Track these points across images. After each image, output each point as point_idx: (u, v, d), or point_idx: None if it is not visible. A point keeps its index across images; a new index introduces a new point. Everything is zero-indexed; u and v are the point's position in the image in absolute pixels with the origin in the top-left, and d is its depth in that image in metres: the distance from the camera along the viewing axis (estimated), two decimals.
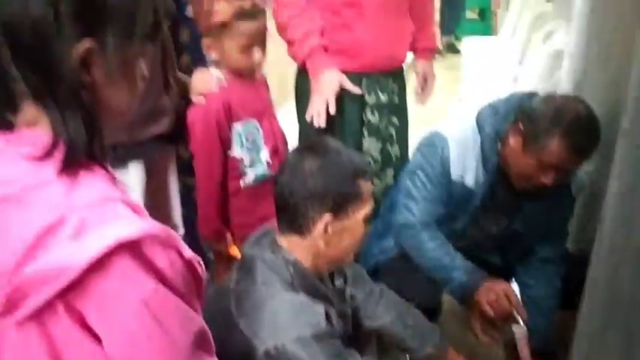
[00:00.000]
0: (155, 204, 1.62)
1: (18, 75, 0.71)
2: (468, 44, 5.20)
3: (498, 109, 1.63)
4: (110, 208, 0.72)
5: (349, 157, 1.19)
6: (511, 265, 1.85)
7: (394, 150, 2.01)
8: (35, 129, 0.74)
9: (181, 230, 1.79)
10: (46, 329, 0.72)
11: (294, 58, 1.85)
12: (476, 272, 1.63)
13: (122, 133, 1.43)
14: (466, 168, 1.63)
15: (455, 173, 1.63)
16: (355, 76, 1.84)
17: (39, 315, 0.71)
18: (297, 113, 1.99)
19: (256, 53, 1.59)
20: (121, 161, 1.49)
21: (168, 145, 1.65)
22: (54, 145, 0.72)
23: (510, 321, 1.64)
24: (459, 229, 1.71)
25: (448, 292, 1.68)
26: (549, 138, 1.46)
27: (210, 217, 1.69)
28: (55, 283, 0.67)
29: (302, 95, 1.92)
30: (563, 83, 2.08)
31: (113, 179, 0.78)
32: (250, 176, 1.68)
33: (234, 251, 1.77)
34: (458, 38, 6.47)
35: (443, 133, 1.67)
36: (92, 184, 0.74)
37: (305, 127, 1.90)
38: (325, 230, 1.16)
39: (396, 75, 1.98)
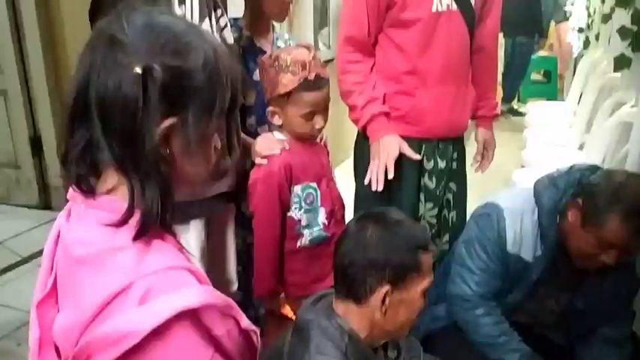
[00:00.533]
0: (212, 259, 1.66)
1: (105, 145, 0.76)
2: (533, 107, 5.15)
3: (557, 181, 1.59)
4: (175, 276, 0.75)
5: (411, 229, 1.20)
6: (573, 343, 1.76)
7: (451, 215, 1.99)
8: (113, 195, 0.79)
9: (235, 286, 1.81)
10: None
11: (355, 122, 1.88)
12: (533, 357, 1.57)
13: (185, 193, 1.48)
14: (523, 241, 1.59)
15: (511, 245, 1.59)
16: (415, 142, 1.85)
17: None
18: (355, 176, 2.01)
19: (318, 120, 1.64)
20: (183, 218, 1.54)
21: (229, 203, 1.69)
22: (130, 213, 0.76)
23: None
24: (516, 302, 1.65)
25: None
26: (609, 217, 1.41)
27: (266, 276, 1.71)
28: (120, 346, 0.70)
29: (361, 159, 1.94)
30: (632, 157, 2.01)
31: (180, 247, 0.82)
32: (307, 237, 1.70)
33: (287, 310, 1.78)
34: (522, 100, 6.43)
35: (499, 204, 1.63)
36: (161, 251, 0.77)
37: (362, 189, 1.91)
38: (383, 301, 1.16)
39: (456, 141, 1.97)
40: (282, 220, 1.68)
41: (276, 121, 1.65)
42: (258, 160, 1.66)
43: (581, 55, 4.96)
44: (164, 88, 0.74)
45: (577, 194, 1.50)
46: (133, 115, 0.74)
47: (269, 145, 1.66)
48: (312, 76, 1.57)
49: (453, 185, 1.97)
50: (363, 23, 1.77)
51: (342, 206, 1.78)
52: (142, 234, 0.75)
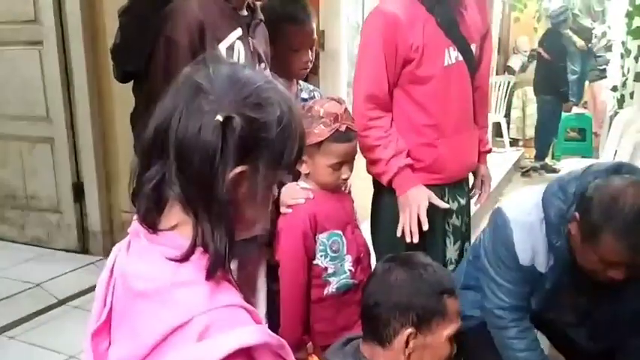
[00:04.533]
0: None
1: (177, 184, 0.81)
2: (567, 163, 5.11)
3: (567, 187, 1.46)
4: (234, 314, 0.79)
5: (437, 274, 1.22)
6: (598, 345, 1.68)
7: (467, 246, 2.07)
8: (177, 232, 0.83)
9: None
10: None
11: (379, 176, 1.93)
12: None
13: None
14: (535, 253, 1.53)
15: (522, 260, 1.54)
16: (437, 188, 1.92)
17: None
18: (374, 232, 2.05)
19: (345, 170, 1.69)
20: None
21: (260, 248, 1.74)
22: (192, 250, 0.80)
23: None
24: (535, 310, 1.61)
25: None
26: (602, 236, 1.30)
27: (293, 325, 1.72)
28: None
29: (382, 212, 2.00)
30: None
31: (236, 286, 0.86)
32: (333, 285, 1.71)
33: None
34: (556, 158, 6.39)
35: (506, 215, 1.57)
36: (221, 290, 0.81)
37: (384, 243, 1.96)
38: (407, 344, 1.17)
39: (467, 178, 2.11)
40: (307, 269, 1.70)
41: (304, 169, 1.70)
42: (283, 210, 1.71)
43: (615, 113, 4.95)
44: (241, 138, 0.79)
45: (577, 206, 1.40)
46: (210, 160, 0.79)
47: (293, 194, 1.70)
48: (343, 128, 1.63)
49: (467, 219, 2.08)
50: (382, 81, 1.86)
51: (368, 253, 1.80)
52: (213, 274, 0.79)
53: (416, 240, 1.81)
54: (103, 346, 0.86)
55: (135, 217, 0.86)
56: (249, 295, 1.79)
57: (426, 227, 1.81)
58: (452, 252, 1.99)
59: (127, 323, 0.84)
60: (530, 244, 1.52)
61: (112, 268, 0.89)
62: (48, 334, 2.75)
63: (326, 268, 1.70)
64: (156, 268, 0.81)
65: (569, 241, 1.45)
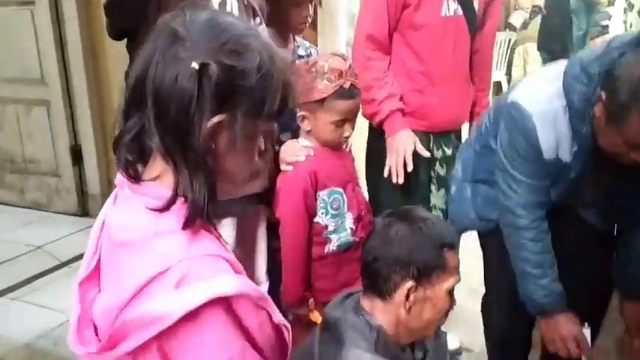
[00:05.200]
0: (243, 258, 1.68)
1: (156, 133, 0.79)
2: None
3: (588, 70, 1.35)
4: (212, 263, 0.78)
5: (437, 228, 1.21)
6: (615, 230, 1.68)
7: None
8: (158, 182, 0.82)
9: (265, 286, 1.82)
10: None
11: (371, 116, 2.00)
12: (558, 299, 1.53)
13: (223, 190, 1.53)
14: (559, 144, 1.44)
15: (546, 153, 1.45)
16: (423, 135, 2.00)
17: (135, 354, 0.77)
18: (368, 174, 2.13)
19: (348, 128, 1.67)
20: (215, 217, 1.58)
21: (259, 205, 1.73)
22: (173, 200, 0.80)
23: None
24: (554, 200, 1.56)
25: (523, 297, 1.58)
26: (629, 116, 1.23)
27: (295, 283, 1.72)
28: (153, 328, 0.73)
29: (373, 155, 2.08)
30: None
31: (219, 237, 0.86)
32: (334, 243, 1.71)
33: (315, 317, 1.78)
34: None
35: (525, 109, 1.45)
36: (201, 239, 0.81)
37: (378, 184, 2.03)
38: (407, 297, 1.17)
39: (457, 132, 2.16)
40: (308, 226, 1.70)
41: (306, 126, 1.68)
42: (283, 167, 1.70)
43: None
44: (218, 86, 0.78)
45: (602, 86, 1.30)
46: (185, 108, 0.77)
47: (294, 151, 1.69)
48: (347, 85, 1.61)
49: None
50: (383, 23, 1.92)
51: (369, 211, 1.79)
52: (191, 223, 0.78)
53: (401, 181, 1.91)
54: (91, 294, 0.86)
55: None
56: (249, 253, 1.80)
57: (410, 168, 1.90)
58: (437, 198, 2.07)
59: (111, 272, 0.84)
60: (553, 136, 1.44)
61: (104, 221, 0.89)
62: (50, 295, 2.77)
63: (326, 226, 1.70)
64: (136, 218, 0.81)
65: (592, 125, 1.38)
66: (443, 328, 2.28)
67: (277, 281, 1.78)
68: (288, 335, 0.85)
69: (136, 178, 0.83)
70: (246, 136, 0.82)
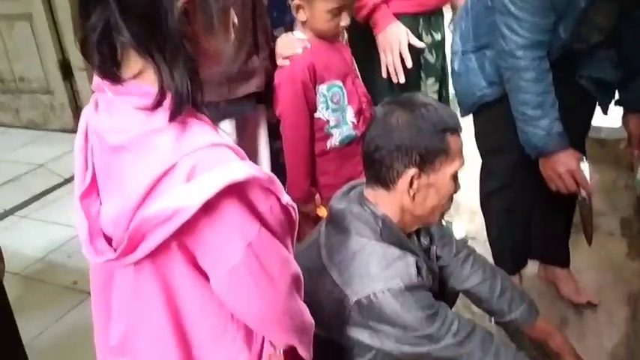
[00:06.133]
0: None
1: (124, 26, 0.74)
2: None
3: None
4: (218, 152, 0.77)
5: (438, 112, 1.17)
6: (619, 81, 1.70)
7: (445, 88, 2.08)
8: (140, 80, 0.78)
9: None
10: (160, 268, 0.80)
11: (355, 11, 1.84)
12: (557, 139, 1.54)
13: (214, 93, 1.49)
14: None
15: None
16: (412, 20, 1.88)
17: (155, 255, 0.78)
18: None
19: (344, 17, 1.60)
20: (213, 119, 1.55)
21: (258, 104, 1.70)
22: (162, 95, 0.76)
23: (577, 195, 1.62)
24: (564, 40, 1.53)
25: (522, 141, 1.60)
26: None
27: (299, 179, 1.72)
28: (171, 224, 0.73)
29: (358, 52, 1.92)
30: None
31: (216, 127, 0.83)
32: (336, 137, 1.69)
33: (322, 212, 1.80)
34: None
35: None
36: (200, 130, 0.78)
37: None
38: (410, 184, 1.15)
39: (441, 12, 2.05)
40: (309, 122, 1.67)
41: (301, 16, 1.61)
42: (280, 62, 1.64)
43: None
44: None
45: None
46: None
47: (290, 45, 1.63)
48: None
49: (442, 55, 2.05)
50: None
51: (370, 103, 1.76)
52: (177, 114, 0.76)
53: (402, 80, 1.81)
54: (94, 208, 0.84)
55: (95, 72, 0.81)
56: (251, 155, 1.78)
57: (409, 65, 1.80)
58: (427, 87, 2.01)
59: (112, 180, 0.82)
60: None
61: (86, 132, 0.85)
62: (58, 210, 2.81)
63: (328, 121, 1.67)
64: (128, 119, 0.78)
65: None
66: (448, 219, 2.35)
67: (282, 182, 1.78)
68: (295, 215, 0.86)
69: (115, 78, 0.79)
70: (220, 9, 0.78)
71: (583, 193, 1.60)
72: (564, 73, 1.59)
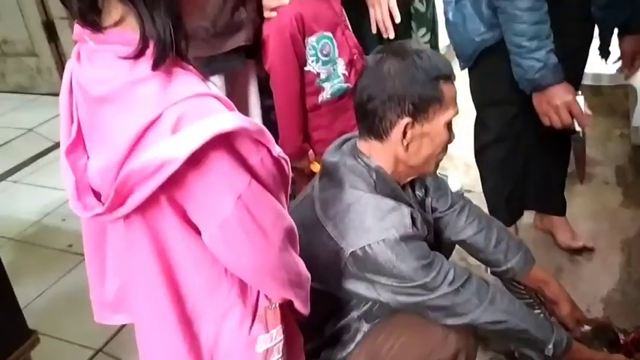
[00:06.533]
0: None
1: None
2: None
3: None
4: (205, 103, 0.74)
5: (431, 60, 1.14)
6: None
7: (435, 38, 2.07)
8: (122, 28, 0.75)
9: None
10: (150, 223, 0.78)
11: None
12: (554, 70, 1.51)
13: (201, 48, 1.45)
14: None
15: None
16: None
17: (144, 209, 0.76)
18: None
19: None
20: (202, 74, 1.52)
21: (247, 59, 1.65)
22: (144, 43, 0.73)
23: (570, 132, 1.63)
24: None
25: (518, 76, 1.57)
26: None
27: (292, 135, 1.69)
28: (158, 176, 0.71)
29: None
30: None
31: (203, 77, 0.81)
32: (328, 91, 1.66)
33: (316, 168, 1.78)
34: None
35: None
36: (185, 80, 0.76)
37: None
38: (404, 134, 1.13)
39: None
40: (300, 75, 1.63)
41: None
42: (267, 14, 1.59)
43: None
44: None
45: None
46: None
47: None
48: None
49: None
50: None
51: (361, 54, 1.72)
52: (160, 63, 0.73)
53: (392, 35, 1.77)
54: (81, 162, 0.82)
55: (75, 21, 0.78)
56: (242, 111, 1.75)
57: (397, 20, 1.76)
58: (418, 38, 1.98)
59: (97, 133, 0.80)
60: None
61: (70, 84, 0.83)
62: (50, 175, 2.78)
63: (319, 74, 1.63)
64: (110, 69, 0.75)
65: None
66: (444, 172, 2.34)
67: (275, 139, 1.75)
68: (287, 167, 0.84)
69: (96, 26, 0.76)
70: None
71: (577, 127, 1.59)
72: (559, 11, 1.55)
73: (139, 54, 0.73)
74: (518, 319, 1.20)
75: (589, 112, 1.57)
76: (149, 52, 0.73)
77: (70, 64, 0.83)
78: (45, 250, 2.26)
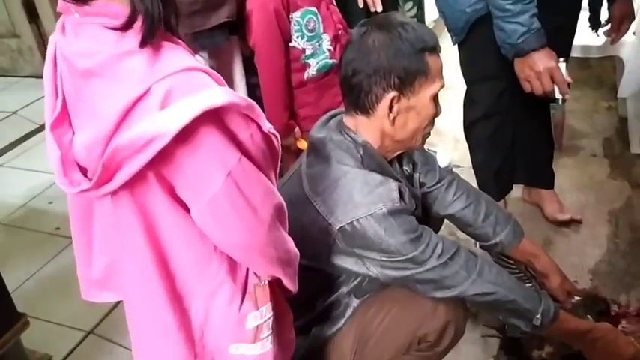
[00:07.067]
0: None
1: None
2: None
3: None
4: (194, 77, 0.73)
5: (416, 32, 1.12)
6: None
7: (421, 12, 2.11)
8: (108, 1, 0.73)
9: None
10: (138, 199, 0.77)
11: None
12: (537, 35, 1.51)
13: (183, 24, 1.42)
14: None
15: None
16: None
17: (132, 185, 0.75)
18: None
19: None
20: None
21: (230, 35, 1.63)
22: (132, 17, 0.72)
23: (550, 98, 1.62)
24: None
25: (500, 41, 1.57)
26: None
27: (277, 111, 1.68)
28: (146, 152, 0.70)
29: None
30: None
31: (192, 52, 0.80)
32: (313, 67, 1.65)
33: (302, 145, 1.77)
34: None
35: None
36: (174, 54, 0.75)
37: None
38: (390, 108, 1.12)
39: None
40: (284, 51, 1.62)
41: None
42: None
43: None
44: None
45: None
46: None
47: None
48: None
49: None
50: None
51: (346, 29, 1.70)
52: (149, 38, 0.72)
53: (379, 9, 1.76)
54: (67, 137, 0.81)
55: None
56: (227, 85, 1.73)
57: None
58: (404, 12, 2.01)
59: (83, 107, 0.78)
60: None
61: (54, 58, 0.81)
62: (36, 158, 2.75)
63: (304, 50, 1.62)
64: (97, 42, 0.74)
65: None
66: (433, 148, 2.34)
67: None
68: (277, 143, 0.83)
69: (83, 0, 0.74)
70: None
71: (557, 94, 1.59)
72: None
73: (126, 25, 0.72)
74: (506, 290, 1.21)
75: (569, 79, 1.56)
76: (137, 25, 0.72)
77: (55, 37, 0.81)
78: (33, 234, 2.24)
